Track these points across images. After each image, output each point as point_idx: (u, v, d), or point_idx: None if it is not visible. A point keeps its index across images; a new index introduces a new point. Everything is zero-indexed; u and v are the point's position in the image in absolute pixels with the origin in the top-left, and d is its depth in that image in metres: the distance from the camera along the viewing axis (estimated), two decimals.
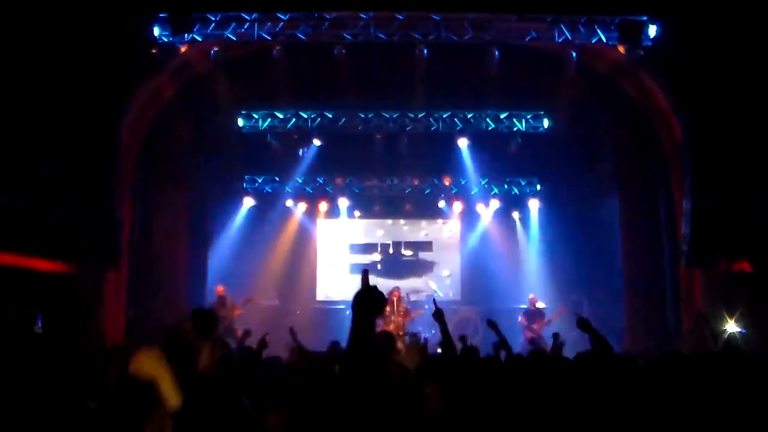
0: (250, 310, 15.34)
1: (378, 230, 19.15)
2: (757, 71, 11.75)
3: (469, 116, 16.72)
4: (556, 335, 9.74)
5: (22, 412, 3.86)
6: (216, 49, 13.47)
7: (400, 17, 13.11)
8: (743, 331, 11.70)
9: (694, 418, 3.74)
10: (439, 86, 14.90)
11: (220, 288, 15.25)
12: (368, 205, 18.82)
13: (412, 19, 13.20)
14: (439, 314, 5.81)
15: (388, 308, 15.84)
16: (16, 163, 11.42)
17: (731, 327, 11.53)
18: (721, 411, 3.75)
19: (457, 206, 18.79)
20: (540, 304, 16.16)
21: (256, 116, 16.70)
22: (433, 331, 16.43)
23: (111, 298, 13.52)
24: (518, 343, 15.07)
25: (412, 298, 17.34)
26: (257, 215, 18.28)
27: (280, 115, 16.71)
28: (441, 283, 18.76)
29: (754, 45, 11.55)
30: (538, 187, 18.63)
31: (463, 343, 8.76)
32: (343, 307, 17.72)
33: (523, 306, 16.51)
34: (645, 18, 12.54)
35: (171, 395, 4.04)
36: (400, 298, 15.95)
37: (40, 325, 10.98)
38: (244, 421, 3.45)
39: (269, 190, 18.59)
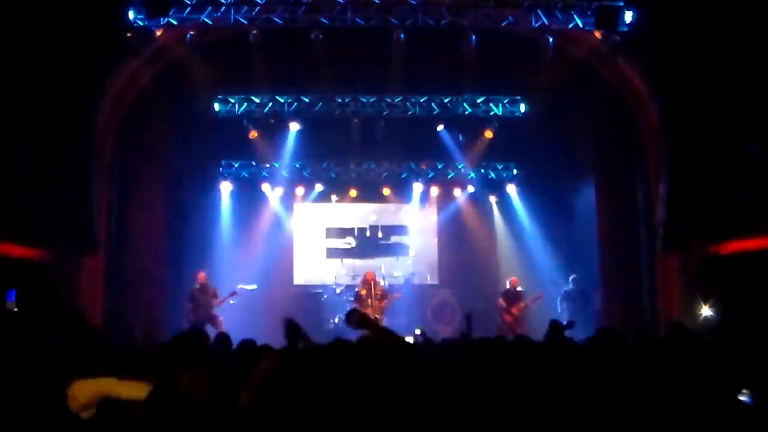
0: None
1: (354, 214, 19.11)
2: (733, 56, 11.87)
3: (446, 101, 16.71)
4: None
5: None
6: (192, 33, 13.34)
7: (377, 1, 13.08)
8: (716, 315, 11.91)
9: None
10: (417, 71, 14.90)
11: (202, 275, 15.16)
12: (345, 190, 18.76)
13: (389, 4, 13.18)
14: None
15: (364, 291, 15.82)
16: None
17: (706, 311, 11.70)
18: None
19: (434, 190, 18.81)
20: (519, 287, 16.21)
21: (232, 101, 16.60)
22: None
23: (88, 285, 13.44)
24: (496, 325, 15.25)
25: (389, 281, 17.36)
26: (234, 200, 18.19)
27: (257, 100, 16.62)
28: (418, 266, 18.75)
29: (729, 30, 11.67)
30: (515, 171, 18.64)
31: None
32: (320, 291, 17.72)
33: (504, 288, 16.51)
34: (621, 3, 12.61)
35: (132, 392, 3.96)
36: (376, 282, 15.90)
37: (12, 300, 10.64)
38: None
39: (246, 175, 18.49)
